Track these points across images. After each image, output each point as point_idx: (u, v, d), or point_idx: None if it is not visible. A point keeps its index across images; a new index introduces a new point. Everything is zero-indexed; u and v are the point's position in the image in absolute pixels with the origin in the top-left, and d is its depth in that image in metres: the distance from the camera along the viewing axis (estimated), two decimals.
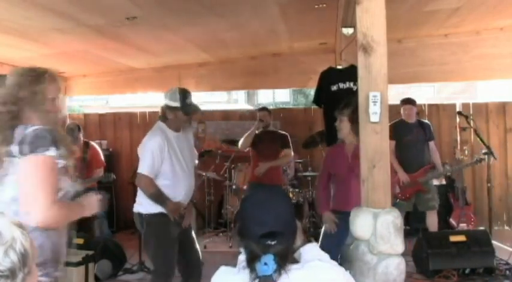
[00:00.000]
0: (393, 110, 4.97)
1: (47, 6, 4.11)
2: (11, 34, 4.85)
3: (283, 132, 5.79)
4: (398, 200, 5.21)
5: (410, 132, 5.45)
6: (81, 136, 5.78)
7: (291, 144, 5.59)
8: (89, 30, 4.92)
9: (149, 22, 4.96)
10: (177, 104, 3.37)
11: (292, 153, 5.67)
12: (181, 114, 3.40)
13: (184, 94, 3.41)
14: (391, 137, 4.97)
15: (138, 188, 3.49)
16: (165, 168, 3.35)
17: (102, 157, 6.03)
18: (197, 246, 3.66)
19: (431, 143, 5.61)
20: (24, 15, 4.27)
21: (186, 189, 3.48)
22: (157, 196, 3.34)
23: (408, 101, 5.62)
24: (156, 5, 4.43)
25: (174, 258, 3.42)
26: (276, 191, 1.76)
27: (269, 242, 1.49)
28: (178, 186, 3.42)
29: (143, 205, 3.42)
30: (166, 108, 3.41)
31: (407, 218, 5.67)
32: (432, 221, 5.44)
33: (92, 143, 6.06)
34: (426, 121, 5.88)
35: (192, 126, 3.77)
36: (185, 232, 3.55)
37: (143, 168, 3.34)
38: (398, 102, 5.72)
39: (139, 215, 3.44)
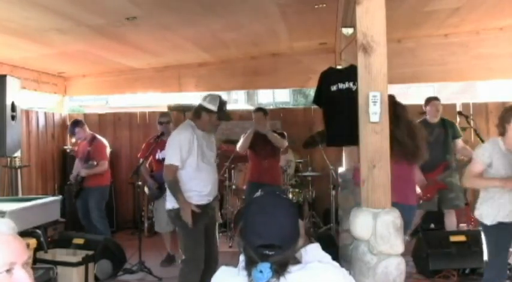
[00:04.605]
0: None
1: (47, 6, 4.11)
2: (11, 34, 4.85)
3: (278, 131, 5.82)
4: (421, 201, 5.08)
5: (431, 133, 5.28)
6: (82, 131, 5.88)
7: (286, 138, 5.73)
8: (88, 30, 4.92)
9: (149, 22, 4.96)
10: (214, 108, 3.75)
11: (286, 142, 5.74)
12: (215, 118, 3.81)
13: (223, 102, 3.83)
14: None
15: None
16: (192, 160, 3.69)
17: (107, 151, 5.96)
18: (217, 241, 4.04)
19: (459, 141, 5.49)
20: (24, 15, 4.27)
21: (213, 182, 3.87)
22: (172, 184, 3.66)
23: (435, 97, 5.54)
24: (156, 5, 4.43)
25: (202, 248, 3.73)
26: (282, 200, 1.62)
27: (267, 252, 1.46)
28: (205, 178, 3.78)
29: (171, 201, 3.75)
30: (203, 109, 3.77)
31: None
32: (450, 221, 5.38)
33: (99, 137, 6.01)
34: (449, 120, 5.72)
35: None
36: (211, 225, 3.90)
37: (169, 159, 3.69)
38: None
39: (169, 210, 3.79)
